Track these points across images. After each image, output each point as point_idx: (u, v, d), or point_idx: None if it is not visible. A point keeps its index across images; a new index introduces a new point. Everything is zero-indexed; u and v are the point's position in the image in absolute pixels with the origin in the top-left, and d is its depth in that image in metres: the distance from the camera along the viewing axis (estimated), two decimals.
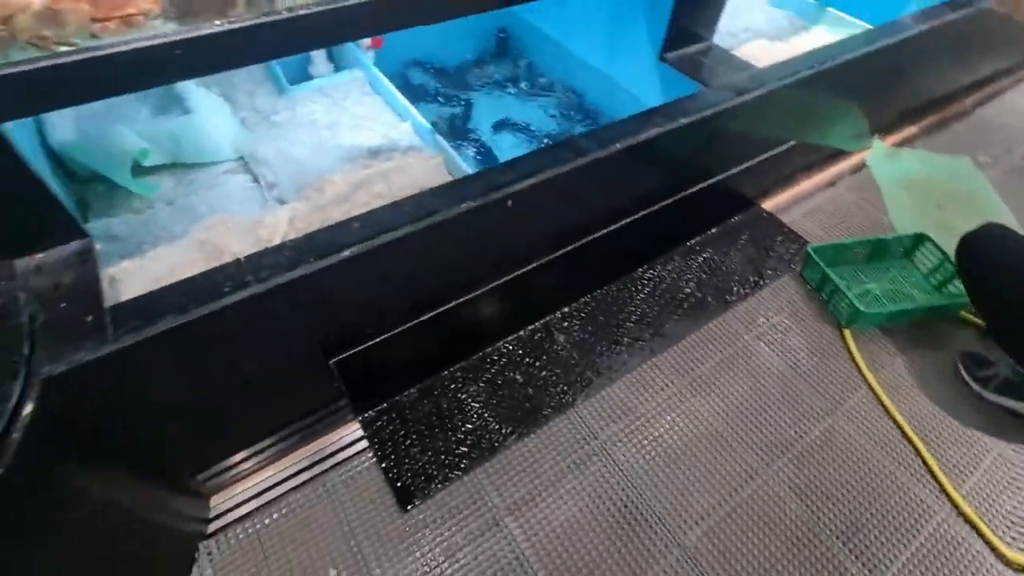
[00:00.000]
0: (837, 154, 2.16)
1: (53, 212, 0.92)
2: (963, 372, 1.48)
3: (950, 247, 1.50)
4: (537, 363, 1.47)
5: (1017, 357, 1.39)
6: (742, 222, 1.88)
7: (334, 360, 1.14)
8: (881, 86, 1.90)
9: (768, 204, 1.98)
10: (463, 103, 2.30)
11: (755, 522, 1.21)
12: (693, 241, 1.79)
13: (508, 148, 2.14)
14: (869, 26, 1.82)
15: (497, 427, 1.33)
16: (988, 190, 2.01)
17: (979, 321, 1.57)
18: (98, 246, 0.98)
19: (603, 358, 1.49)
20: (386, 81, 1.69)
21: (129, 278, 1.02)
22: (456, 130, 2.17)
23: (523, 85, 2.39)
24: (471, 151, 2.07)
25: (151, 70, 0.84)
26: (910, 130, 2.42)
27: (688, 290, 1.66)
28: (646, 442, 1.33)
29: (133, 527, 0.97)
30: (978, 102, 2.61)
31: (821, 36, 1.84)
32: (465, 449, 1.30)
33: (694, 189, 1.54)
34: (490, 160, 2.03)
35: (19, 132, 0.87)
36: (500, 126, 2.22)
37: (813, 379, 1.48)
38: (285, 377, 1.14)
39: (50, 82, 0.75)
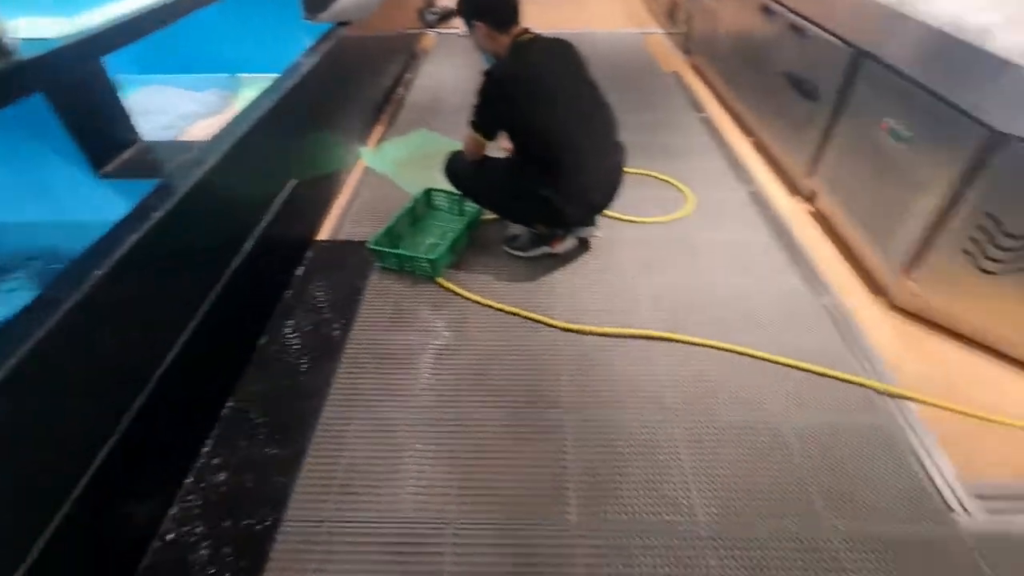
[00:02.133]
0: (343, 171, 2.50)
1: None
2: (507, 249, 1.99)
3: (447, 186, 1.98)
4: None
5: (519, 222, 1.96)
6: (315, 258, 1.99)
7: None
8: (324, 112, 2.26)
9: (322, 235, 2.15)
10: None
11: None
12: (288, 294, 1.81)
13: None
14: (277, 75, 2.11)
15: None
16: (443, 140, 2.68)
17: (492, 215, 2.12)
18: None
19: None
20: None
21: None
22: None
23: None
24: None
25: None
26: (379, 129, 3.00)
27: (315, 328, 1.67)
28: None
29: None
30: (403, 93, 3.43)
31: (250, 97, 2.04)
32: None
33: (242, 259, 1.53)
34: None
35: None
36: None
37: (444, 317, 1.73)
38: None
39: None
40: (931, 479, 1.26)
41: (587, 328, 1.67)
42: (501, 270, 1.93)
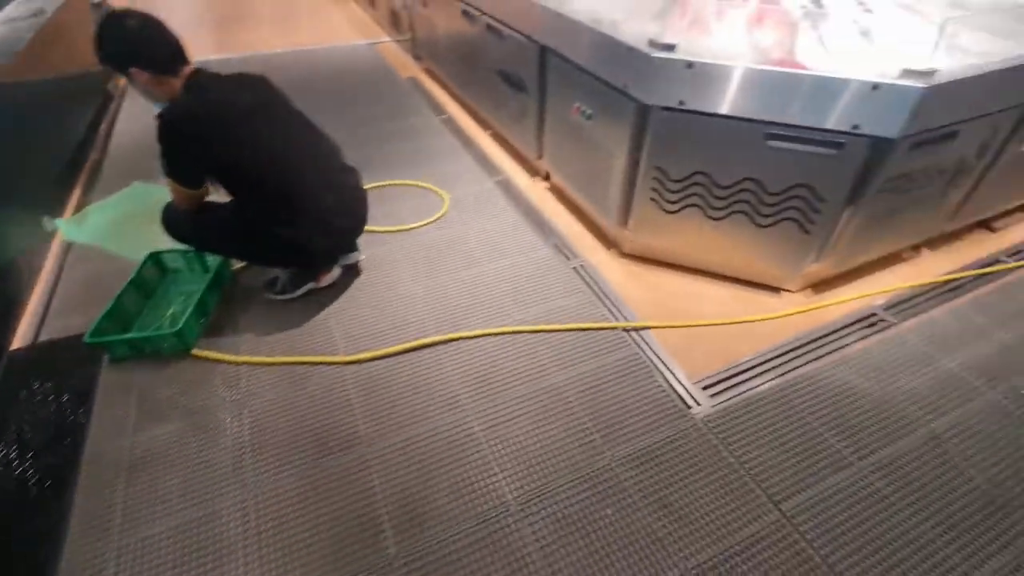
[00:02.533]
0: (28, 255, 2.00)
1: None
2: (269, 296, 1.83)
3: (172, 243, 1.72)
4: None
5: (270, 265, 1.83)
6: (10, 373, 1.57)
7: None
8: None
9: (17, 342, 1.70)
10: None
11: None
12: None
13: None
14: None
15: None
16: (164, 191, 2.33)
17: (241, 262, 1.93)
18: None
19: None
20: None
21: None
22: None
23: None
24: None
25: None
26: (77, 192, 2.47)
27: None
28: None
29: None
30: (102, 139, 2.87)
31: None
32: None
33: None
34: None
35: None
36: None
37: (210, 392, 1.52)
38: None
39: None
40: (672, 387, 1.56)
41: (368, 355, 1.63)
42: (268, 320, 1.77)
